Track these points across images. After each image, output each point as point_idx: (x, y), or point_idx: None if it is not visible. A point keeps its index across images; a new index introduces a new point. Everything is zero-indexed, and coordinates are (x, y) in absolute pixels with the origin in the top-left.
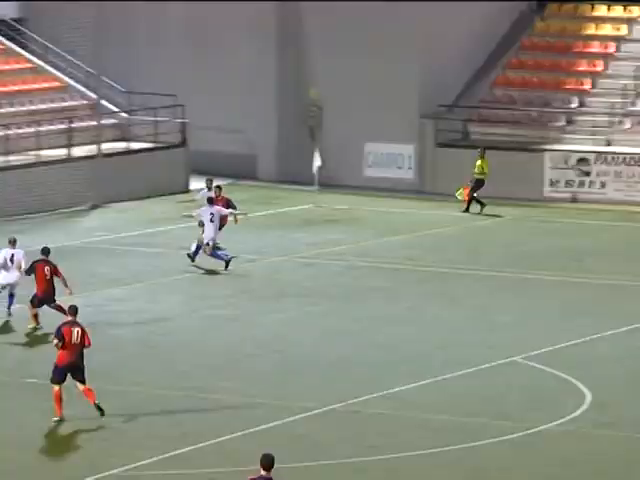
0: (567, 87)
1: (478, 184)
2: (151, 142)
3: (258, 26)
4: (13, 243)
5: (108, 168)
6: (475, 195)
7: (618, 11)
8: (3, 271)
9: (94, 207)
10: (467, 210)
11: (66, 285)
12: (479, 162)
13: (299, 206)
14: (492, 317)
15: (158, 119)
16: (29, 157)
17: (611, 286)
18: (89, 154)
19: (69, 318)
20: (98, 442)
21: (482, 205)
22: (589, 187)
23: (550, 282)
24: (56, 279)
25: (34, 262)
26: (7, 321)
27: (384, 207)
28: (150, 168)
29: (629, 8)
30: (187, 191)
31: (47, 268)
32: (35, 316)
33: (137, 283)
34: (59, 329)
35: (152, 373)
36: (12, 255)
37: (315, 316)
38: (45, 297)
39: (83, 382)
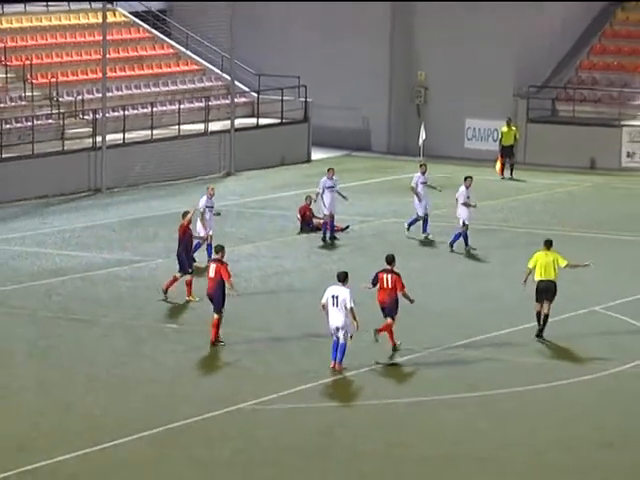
0: None
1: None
2: (277, 118)
3: (374, 15)
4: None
5: (240, 141)
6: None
7: None
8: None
9: (227, 175)
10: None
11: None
12: (505, 130)
13: (407, 175)
14: (574, 272)
15: (284, 98)
16: (171, 131)
17: None
18: (223, 129)
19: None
20: (226, 380)
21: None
22: None
23: (626, 242)
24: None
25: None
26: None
27: (482, 175)
28: (276, 141)
29: None
30: (309, 161)
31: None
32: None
33: (264, 241)
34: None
35: (275, 320)
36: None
37: (419, 271)
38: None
39: (216, 312)
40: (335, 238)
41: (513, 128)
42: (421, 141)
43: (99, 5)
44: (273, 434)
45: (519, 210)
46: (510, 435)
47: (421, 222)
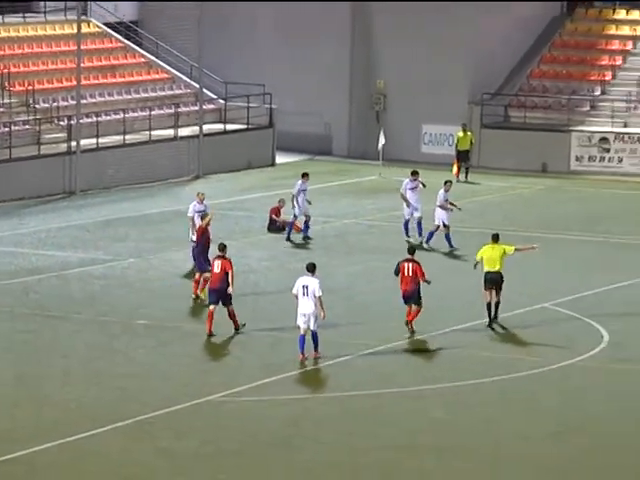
0: (591, 78)
1: (463, 156)
2: (243, 124)
3: (335, 25)
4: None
5: (208, 146)
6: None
7: (635, 14)
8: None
9: (196, 178)
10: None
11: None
12: (461, 135)
13: (366, 177)
14: (525, 270)
15: (250, 105)
16: (142, 137)
17: (625, 245)
18: (192, 134)
19: (219, 253)
20: (196, 373)
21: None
22: (608, 162)
23: (575, 241)
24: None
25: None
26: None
27: (438, 178)
28: (242, 146)
29: None
30: (273, 165)
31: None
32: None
33: (231, 241)
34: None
35: (242, 316)
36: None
37: (378, 269)
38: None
39: (225, 304)
40: (308, 237)
41: (468, 133)
42: (380, 146)
43: (74, 16)
44: (240, 425)
45: (474, 211)
46: (468, 425)
47: (415, 224)
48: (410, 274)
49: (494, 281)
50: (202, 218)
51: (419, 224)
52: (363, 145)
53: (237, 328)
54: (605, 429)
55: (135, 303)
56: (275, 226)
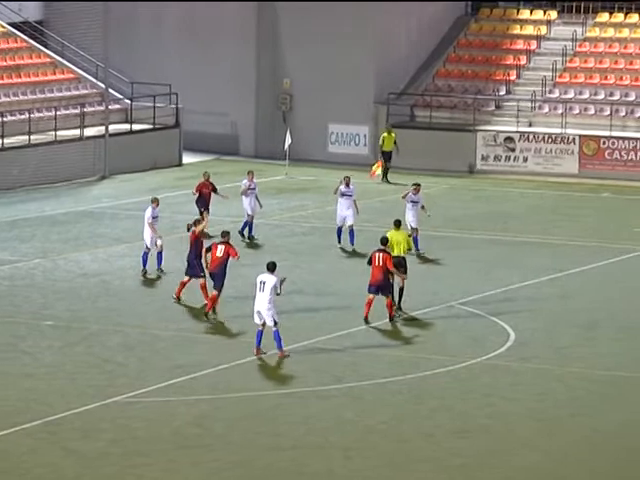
0: (496, 78)
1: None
2: (150, 124)
3: (241, 25)
4: (156, 202)
5: (114, 146)
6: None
7: (539, 14)
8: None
9: (102, 178)
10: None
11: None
12: (386, 136)
13: (273, 177)
14: (432, 269)
15: (156, 105)
16: (48, 137)
17: (530, 243)
18: (98, 134)
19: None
20: (102, 374)
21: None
22: (514, 161)
23: (480, 240)
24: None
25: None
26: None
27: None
28: (149, 146)
29: (548, 12)
30: (180, 165)
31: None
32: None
33: (137, 241)
34: (210, 246)
35: (149, 316)
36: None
37: (285, 269)
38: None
39: (216, 289)
40: (252, 237)
41: (392, 135)
42: (287, 146)
43: None
44: (147, 425)
45: (381, 211)
46: (374, 424)
47: (345, 232)
48: (380, 264)
49: (399, 264)
50: (195, 224)
51: (351, 232)
52: (270, 145)
53: (214, 310)
54: (509, 428)
55: (41, 304)
56: (203, 201)
